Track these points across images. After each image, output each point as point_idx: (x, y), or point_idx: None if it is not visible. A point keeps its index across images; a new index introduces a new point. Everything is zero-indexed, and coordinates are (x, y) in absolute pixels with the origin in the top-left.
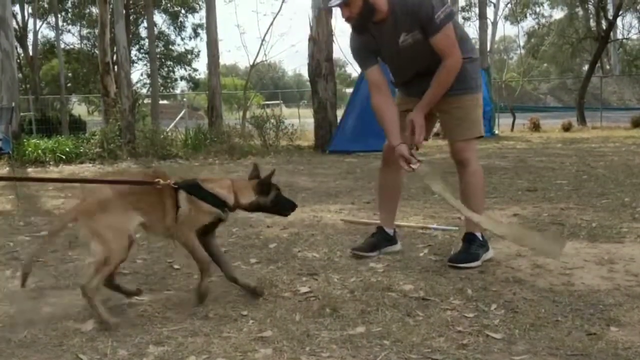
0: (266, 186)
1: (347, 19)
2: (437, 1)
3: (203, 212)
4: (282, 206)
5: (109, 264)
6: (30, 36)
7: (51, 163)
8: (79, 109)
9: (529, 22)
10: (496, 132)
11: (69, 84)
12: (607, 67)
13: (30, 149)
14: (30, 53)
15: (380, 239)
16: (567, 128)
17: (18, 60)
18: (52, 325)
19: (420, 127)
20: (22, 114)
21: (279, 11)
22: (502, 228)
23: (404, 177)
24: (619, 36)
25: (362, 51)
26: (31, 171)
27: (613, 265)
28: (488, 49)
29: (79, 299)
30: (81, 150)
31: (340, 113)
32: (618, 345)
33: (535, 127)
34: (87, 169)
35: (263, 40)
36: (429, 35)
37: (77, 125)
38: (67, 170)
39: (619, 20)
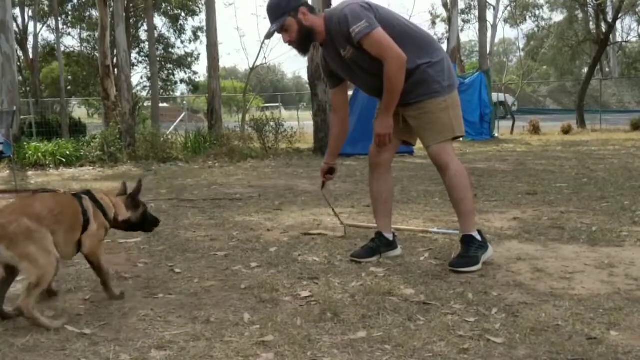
0: (137, 201)
1: (289, 43)
2: (353, 17)
3: (103, 223)
4: (149, 222)
5: (42, 285)
6: (31, 39)
7: (51, 166)
8: (79, 112)
9: (528, 25)
10: (496, 135)
11: (69, 87)
12: (607, 69)
13: (30, 152)
14: (31, 56)
15: (380, 244)
16: (566, 131)
17: (18, 64)
18: (55, 329)
19: (375, 135)
20: (22, 117)
21: None
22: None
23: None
24: (619, 39)
25: (326, 74)
26: (32, 174)
27: (613, 269)
28: (488, 51)
29: (81, 303)
30: (81, 154)
31: None
32: (618, 350)
33: (535, 130)
34: (87, 172)
35: (263, 43)
36: (359, 47)
37: (77, 129)
38: (67, 173)
39: (618, 23)
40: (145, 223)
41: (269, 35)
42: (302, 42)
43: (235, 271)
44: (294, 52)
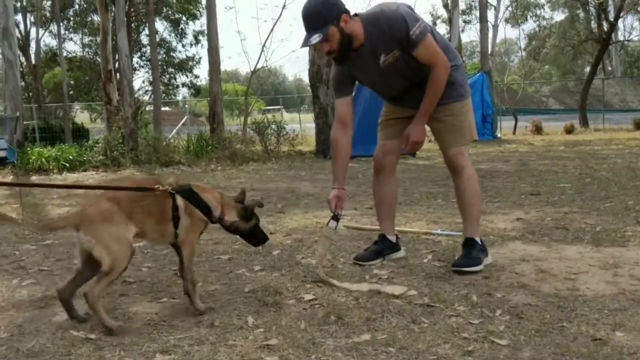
0: (250, 213)
1: (329, 53)
2: (410, 18)
3: (199, 219)
4: (256, 237)
5: (113, 273)
6: (33, 45)
7: (54, 171)
8: (81, 116)
9: (530, 25)
10: (498, 135)
11: (71, 92)
12: (609, 68)
13: (33, 157)
14: (33, 62)
15: (383, 247)
16: (569, 130)
17: (20, 69)
18: (60, 334)
19: (413, 143)
20: (25, 122)
21: (279, 17)
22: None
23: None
24: (620, 38)
25: (339, 82)
26: (35, 179)
27: (618, 270)
28: (489, 52)
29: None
30: (84, 158)
31: None
32: (623, 351)
33: (538, 130)
34: (90, 177)
35: (264, 46)
36: (411, 51)
37: (80, 133)
38: (70, 178)
39: (620, 22)
40: (253, 237)
41: (307, 44)
42: (343, 51)
43: (239, 275)
44: (295, 54)
